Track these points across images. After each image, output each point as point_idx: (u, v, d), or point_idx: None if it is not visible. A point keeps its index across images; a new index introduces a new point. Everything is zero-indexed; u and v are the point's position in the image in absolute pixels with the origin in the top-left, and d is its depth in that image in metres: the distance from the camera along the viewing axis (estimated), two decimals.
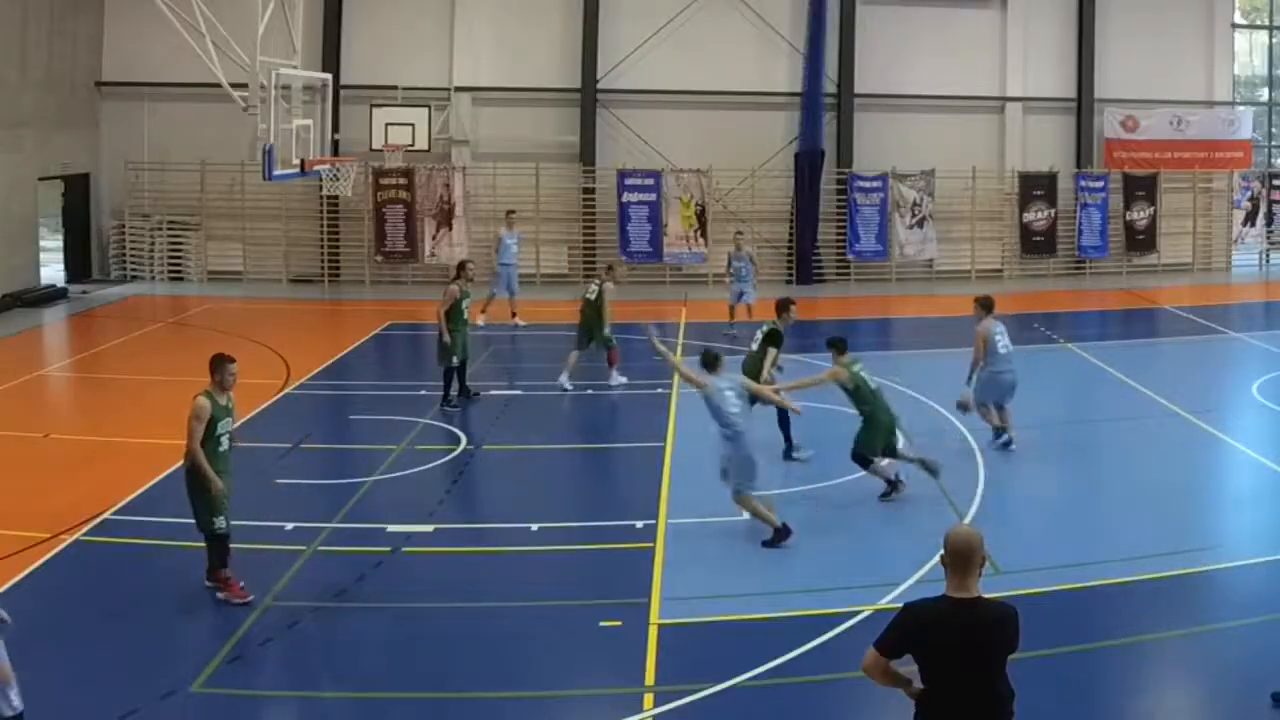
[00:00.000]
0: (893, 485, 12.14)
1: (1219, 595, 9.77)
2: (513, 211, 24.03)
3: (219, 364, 9.73)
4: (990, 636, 5.29)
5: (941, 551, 5.38)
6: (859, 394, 12.27)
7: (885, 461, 12.22)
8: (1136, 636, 8.95)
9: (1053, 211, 29.35)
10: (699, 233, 28.14)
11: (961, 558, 5.29)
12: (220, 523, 9.49)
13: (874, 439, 12.18)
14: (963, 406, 13.92)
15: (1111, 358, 19.42)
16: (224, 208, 27.67)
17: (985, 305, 14.06)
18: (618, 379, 17.27)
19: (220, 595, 9.52)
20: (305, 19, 19.03)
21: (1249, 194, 30.55)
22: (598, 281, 17.69)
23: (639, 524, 11.36)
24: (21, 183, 25.13)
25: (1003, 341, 13.87)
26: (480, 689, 8.32)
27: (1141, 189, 29.74)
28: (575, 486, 13.43)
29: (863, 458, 12.17)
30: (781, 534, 10.78)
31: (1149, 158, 30.00)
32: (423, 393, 16.38)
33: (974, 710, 5.28)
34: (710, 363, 11.17)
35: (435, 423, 14.97)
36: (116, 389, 17.92)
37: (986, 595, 5.41)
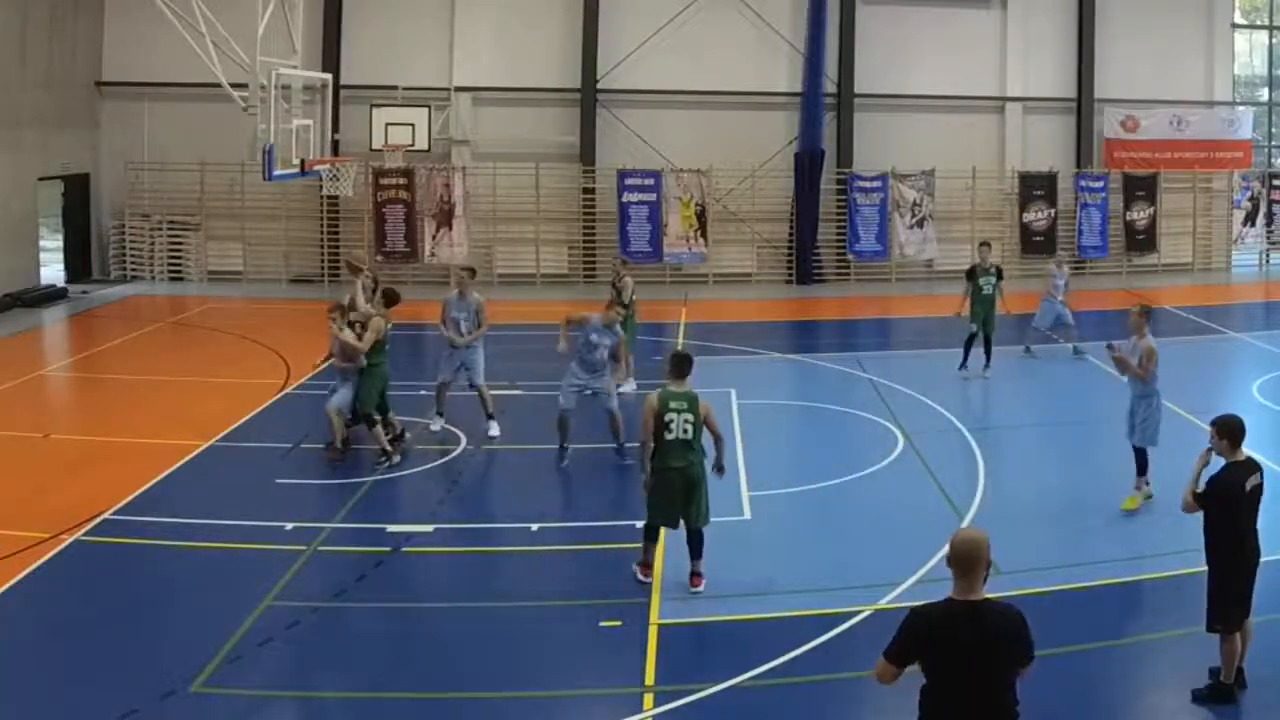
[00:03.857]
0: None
1: None
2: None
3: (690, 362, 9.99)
4: (997, 639, 5.29)
5: (946, 554, 5.38)
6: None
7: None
8: (1136, 636, 8.96)
9: (1053, 211, 29.37)
10: (699, 233, 28.15)
11: (968, 560, 5.29)
12: None
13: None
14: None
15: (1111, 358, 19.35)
16: (224, 208, 27.68)
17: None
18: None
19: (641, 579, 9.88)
20: (305, 19, 19.06)
21: (1249, 194, 30.57)
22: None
23: (639, 524, 11.34)
24: (21, 183, 25.13)
25: None
26: (480, 689, 8.32)
27: (1141, 189, 29.76)
28: (575, 486, 13.42)
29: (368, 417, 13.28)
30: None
31: (1149, 158, 30.01)
32: (423, 393, 16.33)
33: (978, 712, 5.28)
34: None
35: None
36: (116, 389, 17.90)
37: (991, 596, 5.42)
